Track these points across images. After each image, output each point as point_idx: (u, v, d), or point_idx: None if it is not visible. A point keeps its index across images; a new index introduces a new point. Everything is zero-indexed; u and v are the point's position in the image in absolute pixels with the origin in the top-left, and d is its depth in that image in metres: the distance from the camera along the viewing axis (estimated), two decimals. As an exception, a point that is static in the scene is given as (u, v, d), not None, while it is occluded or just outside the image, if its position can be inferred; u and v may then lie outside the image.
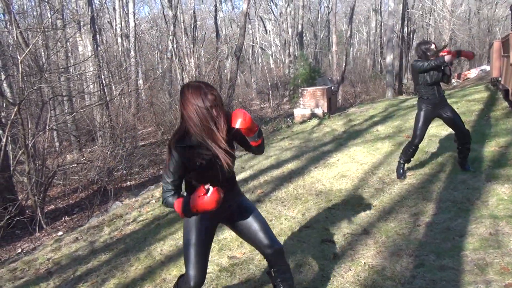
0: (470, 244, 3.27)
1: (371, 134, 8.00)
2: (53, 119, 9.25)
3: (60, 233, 6.51)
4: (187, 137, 2.23)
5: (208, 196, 2.08)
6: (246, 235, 2.49)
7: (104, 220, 5.92)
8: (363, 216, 4.17)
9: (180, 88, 2.34)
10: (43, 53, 11.98)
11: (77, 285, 3.77)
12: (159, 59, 30.84)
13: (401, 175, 5.05)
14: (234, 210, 2.49)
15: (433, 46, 4.56)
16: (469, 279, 2.80)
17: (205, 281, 3.27)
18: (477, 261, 3.01)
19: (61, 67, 11.95)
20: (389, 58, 18.52)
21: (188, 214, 2.20)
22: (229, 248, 3.88)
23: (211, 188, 2.08)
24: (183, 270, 3.50)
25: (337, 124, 10.21)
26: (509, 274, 2.79)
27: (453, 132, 4.95)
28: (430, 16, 24.17)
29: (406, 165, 5.18)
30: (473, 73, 18.34)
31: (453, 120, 4.71)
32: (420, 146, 5.01)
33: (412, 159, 5.08)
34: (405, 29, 23.57)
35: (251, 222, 2.46)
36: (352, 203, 4.59)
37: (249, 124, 2.18)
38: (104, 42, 23.86)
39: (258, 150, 2.44)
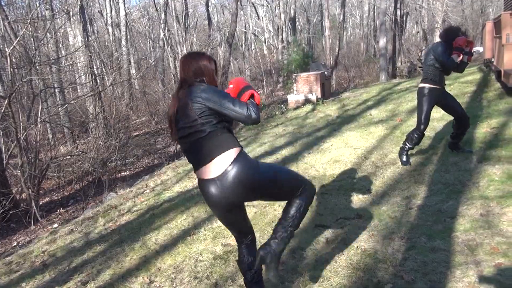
0: (461, 225, 3.30)
1: (365, 119, 8.01)
2: (45, 111, 9.18)
3: (55, 225, 6.51)
4: None
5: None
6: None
7: (98, 211, 5.92)
8: (356, 201, 4.19)
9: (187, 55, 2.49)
10: (33, 45, 11.85)
11: (73, 276, 3.78)
12: (151, 48, 30.60)
13: (405, 162, 4.88)
14: None
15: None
16: (459, 260, 2.83)
17: (199, 270, 3.30)
18: (468, 242, 3.04)
19: (51, 59, 11.83)
20: (382, 42, 18.44)
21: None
22: (223, 236, 3.89)
23: None
24: (178, 260, 3.54)
25: (331, 109, 10.20)
26: (499, 254, 2.81)
27: (444, 113, 4.95)
28: (423, -2, 24.02)
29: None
30: (466, 54, 18.28)
31: (454, 108, 4.69)
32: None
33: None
34: (398, 12, 23.43)
35: None
36: (345, 187, 4.61)
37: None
38: (96, 32, 23.61)
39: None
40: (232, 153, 2.23)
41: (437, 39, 5.45)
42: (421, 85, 4.70)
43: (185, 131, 2.27)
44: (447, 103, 4.71)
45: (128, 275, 3.54)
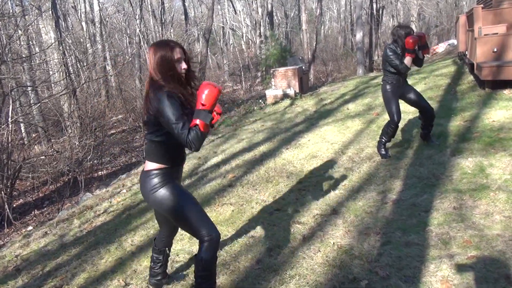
0: (435, 219, 3.34)
1: (342, 113, 8.04)
2: (17, 111, 8.94)
3: (30, 228, 6.36)
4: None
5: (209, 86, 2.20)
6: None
7: (74, 212, 5.80)
8: (333, 196, 4.20)
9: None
10: (2, 42, 11.49)
11: (46, 281, 3.69)
12: (128, 43, 30.10)
13: (385, 155, 4.95)
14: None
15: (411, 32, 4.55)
16: (433, 254, 2.86)
17: (176, 270, 3.26)
18: (441, 235, 3.08)
19: (23, 56, 11.52)
20: (359, 36, 18.56)
21: (208, 119, 2.20)
22: (200, 235, 3.85)
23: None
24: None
25: (308, 104, 10.22)
26: (471, 247, 2.86)
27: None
28: (398, -9, 24.27)
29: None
30: (441, 47, 18.59)
31: (417, 102, 4.81)
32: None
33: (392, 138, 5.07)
34: (374, 6, 23.62)
35: None
36: (322, 183, 4.62)
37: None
38: (70, 28, 23.10)
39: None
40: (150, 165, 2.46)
41: None
42: (383, 82, 4.84)
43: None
44: (410, 97, 4.83)
45: (103, 278, 3.47)
